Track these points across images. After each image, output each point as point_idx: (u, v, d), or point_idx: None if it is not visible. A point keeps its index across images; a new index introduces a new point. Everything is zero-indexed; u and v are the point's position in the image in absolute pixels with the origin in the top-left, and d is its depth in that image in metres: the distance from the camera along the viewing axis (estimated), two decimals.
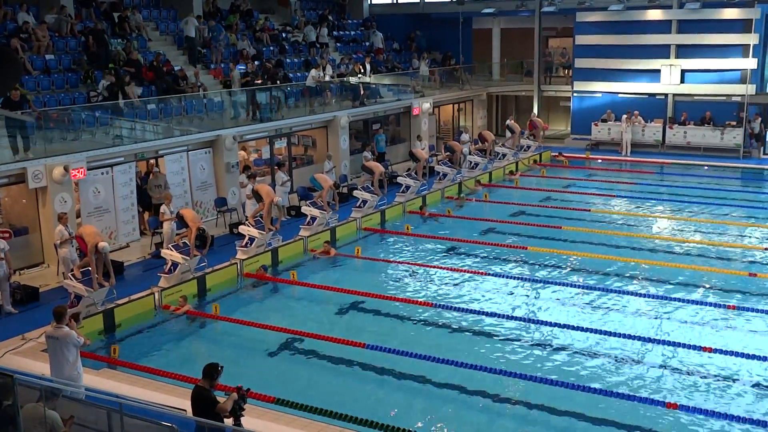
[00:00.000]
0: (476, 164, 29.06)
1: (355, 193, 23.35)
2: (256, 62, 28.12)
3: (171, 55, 26.16)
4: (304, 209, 21.39)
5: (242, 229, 19.22)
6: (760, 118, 32.37)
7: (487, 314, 15.45)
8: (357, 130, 30.78)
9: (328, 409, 11.36)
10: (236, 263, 18.16)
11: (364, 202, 22.67)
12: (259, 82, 26.62)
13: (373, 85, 32.09)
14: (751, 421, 11.16)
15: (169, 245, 17.65)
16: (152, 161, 21.91)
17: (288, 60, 30.64)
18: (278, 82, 27.37)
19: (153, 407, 9.69)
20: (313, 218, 20.79)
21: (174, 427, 8.77)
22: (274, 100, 26.52)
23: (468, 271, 18.03)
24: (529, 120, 34.21)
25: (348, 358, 13.46)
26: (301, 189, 24.83)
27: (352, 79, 30.84)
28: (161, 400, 10.86)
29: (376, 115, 31.21)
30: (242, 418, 9.37)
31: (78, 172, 18.65)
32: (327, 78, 29.15)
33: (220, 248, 19.74)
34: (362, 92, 30.33)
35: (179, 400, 10.67)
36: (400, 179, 25.38)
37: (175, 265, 16.82)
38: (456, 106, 37.90)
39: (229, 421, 9.29)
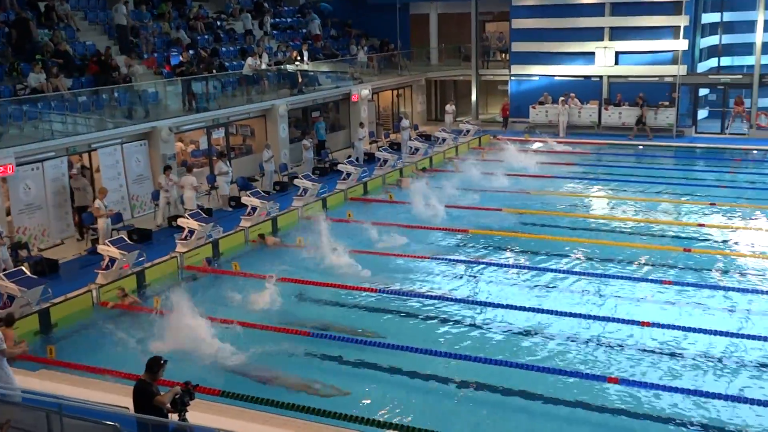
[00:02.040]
0: (417, 149, 29.17)
1: (296, 181, 23.22)
2: (190, 51, 27.67)
3: (101, 45, 25.54)
4: (245, 199, 21.19)
5: (181, 221, 18.95)
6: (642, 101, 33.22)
7: (430, 297, 15.56)
8: (296, 118, 30.57)
9: (274, 399, 11.32)
10: (176, 256, 17.92)
11: (305, 190, 22.56)
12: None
13: (311, 73, 31.87)
14: (691, 392, 11.47)
15: (106, 240, 17.30)
16: (78, 162, 21.34)
17: (223, 48, 30.22)
18: (214, 71, 26.99)
19: (94, 407, 9.50)
20: (254, 208, 20.62)
21: (117, 425, 8.61)
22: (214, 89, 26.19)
23: (412, 256, 18.11)
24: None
25: (293, 346, 13.41)
26: (240, 179, 24.59)
27: (290, 67, 30.58)
28: (103, 399, 10.64)
29: (315, 103, 31.05)
30: (188, 413, 9.26)
31: (6, 168, 18.11)
32: (264, 66, 28.85)
33: (159, 241, 19.46)
34: (300, 80, 30.11)
35: (122, 398, 10.47)
36: (340, 166, 25.33)
37: (112, 260, 16.50)
38: (395, 92, 37.93)
39: (174, 416, 9.17)
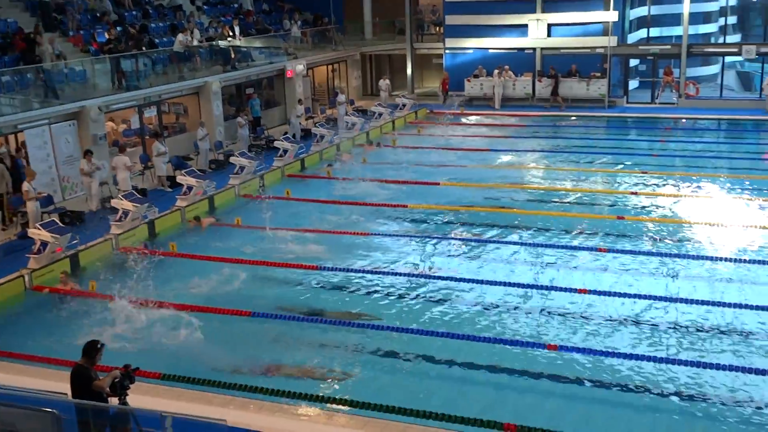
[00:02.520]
0: (353, 124, 29.08)
1: (232, 159, 22.93)
2: (118, 28, 26.95)
3: (23, 22, 24.69)
4: (180, 179, 20.85)
5: (115, 203, 18.56)
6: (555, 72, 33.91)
7: (371, 272, 15.61)
8: (230, 95, 30.13)
9: (217, 380, 11.25)
10: (111, 238, 17.56)
11: (242, 168, 22.31)
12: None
13: (244, 49, 31.40)
14: (628, 356, 11.77)
15: (36, 224, 16.84)
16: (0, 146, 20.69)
17: (153, 24, 29.52)
18: (144, 48, 26.36)
19: (30, 394, 9.28)
20: (190, 187, 20.31)
21: (55, 412, 8.43)
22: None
23: (352, 233, 18.10)
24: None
25: (236, 327, 13.33)
26: (175, 158, 24.16)
27: (222, 43, 30.08)
28: (40, 386, 10.40)
29: (249, 80, 30.64)
30: (128, 397, 9.12)
31: None
32: (195, 42, 28.31)
33: (92, 223, 19.05)
34: (233, 56, 29.65)
35: (59, 385, 10.25)
36: (277, 143, 25.10)
37: (44, 244, 16.08)
38: (330, 67, 37.67)
39: (114, 400, 9.03)
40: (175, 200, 20.19)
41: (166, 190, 22.32)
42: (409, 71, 38.41)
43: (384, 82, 35.85)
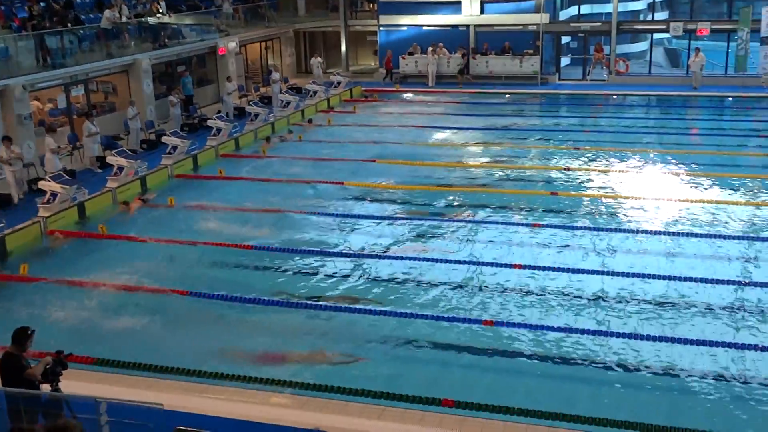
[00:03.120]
0: (288, 103, 28.81)
1: (164, 139, 22.50)
2: (41, 3, 26.07)
3: None
4: (110, 159, 20.37)
5: (42, 184, 18.04)
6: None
7: (308, 252, 15.54)
8: (161, 73, 29.50)
9: (155, 364, 11.08)
10: (39, 221, 17.09)
11: (174, 148, 21.92)
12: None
13: (174, 25, 30.74)
14: (563, 330, 12.00)
15: None
16: None
17: (78, 0, 28.62)
18: (69, 24, 25.55)
19: None
20: (121, 168, 19.87)
21: None
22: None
23: (287, 211, 17.98)
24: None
25: (171, 308, 13.13)
26: (105, 138, 23.57)
27: (151, 20, 29.39)
28: None
29: (180, 57, 30.03)
30: (61, 383, 8.92)
31: None
32: (123, 19, 27.58)
33: (20, 206, 18.52)
34: (162, 33, 29.02)
35: None
36: (210, 122, 24.72)
37: None
38: (263, 44, 37.19)
39: (46, 387, 8.83)
40: (106, 181, 19.73)
41: (96, 171, 21.80)
42: (343, 49, 38.21)
43: (316, 60, 35.53)
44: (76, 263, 15.50)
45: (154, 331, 12.40)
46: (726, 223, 16.78)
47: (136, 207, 18.73)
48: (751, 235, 15.99)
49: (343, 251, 15.71)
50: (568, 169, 21.11)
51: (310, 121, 27.88)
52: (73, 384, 9.31)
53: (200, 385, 10.55)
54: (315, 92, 30.86)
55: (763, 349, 11.25)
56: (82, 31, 25.96)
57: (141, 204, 18.92)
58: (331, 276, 14.56)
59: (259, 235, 16.56)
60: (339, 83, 33.02)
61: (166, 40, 29.00)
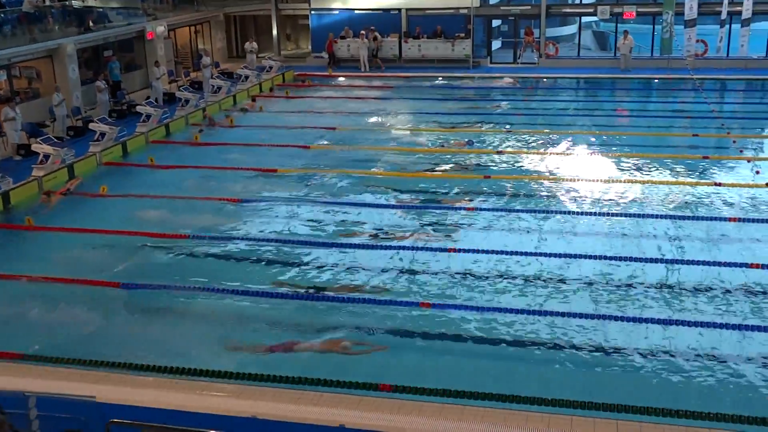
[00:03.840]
0: (219, 88, 28.41)
1: (92, 126, 21.98)
2: None
3: None
4: (35, 147, 19.80)
5: None
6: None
7: (246, 239, 15.40)
8: (87, 58, 28.72)
9: (87, 357, 10.87)
10: None
11: (102, 134, 21.43)
12: None
13: (100, 9, 29.99)
14: (496, 310, 12.17)
15: None
16: None
17: None
18: None
19: None
20: (47, 156, 19.33)
21: None
22: None
23: (223, 199, 17.76)
24: None
25: (104, 299, 12.88)
26: (29, 126, 22.89)
27: (75, 3, 28.60)
28: None
29: (106, 41, 29.29)
30: None
31: None
32: (47, 2, 26.76)
33: None
34: (88, 17, 28.24)
35: None
36: (139, 108, 24.23)
37: None
38: (193, 28, 36.52)
39: None
40: (31, 170, 19.18)
41: (15, 158, 21.18)
42: (274, 33, 37.84)
43: (250, 45, 35.12)
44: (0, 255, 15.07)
45: (86, 324, 12.15)
46: (653, 202, 17.20)
47: (56, 199, 18.19)
48: (678, 213, 16.43)
49: (274, 238, 15.56)
50: (501, 152, 21.33)
51: (243, 110, 27.51)
52: (0, 379, 9.09)
53: (133, 376, 10.40)
54: (247, 77, 30.50)
55: (696, 324, 11.56)
56: (3, 15, 25.10)
57: (62, 197, 18.32)
58: (260, 261, 14.48)
59: (193, 222, 16.33)
60: (271, 68, 32.71)
61: (92, 24, 28.24)
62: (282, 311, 12.52)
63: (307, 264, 14.35)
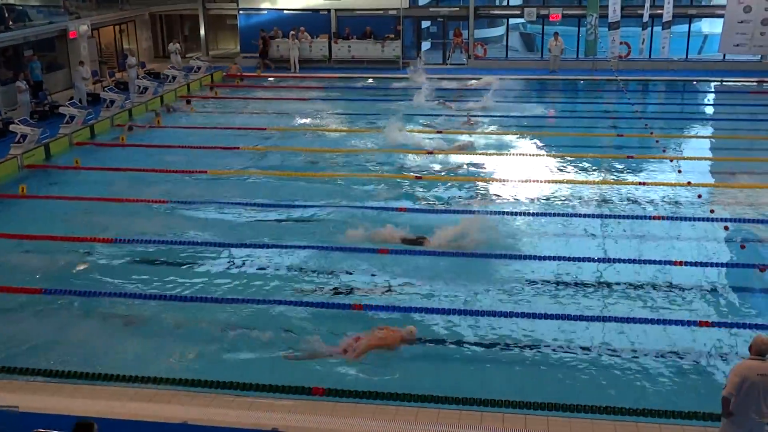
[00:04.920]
0: (146, 88, 27.90)
1: (12, 127, 21.31)
2: None
3: None
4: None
5: None
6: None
7: (174, 243, 15.13)
8: (6, 57, 27.88)
9: (10, 365, 10.55)
10: None
11: (24, 136, 20.81)
12: None
13: (20, 7, 29.13)
14: (430, 311, 12.30)
15: None
16: None
17: None
18: None
19: None
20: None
21: None
22: None
23: (151, 201, 17.41)
24: None
25: (26, 306, 12.52)
26: None
27: None
28: None
29: (26, 40, 28.45)
30: None
31: None
32: None
33: None
34: (6, 15, 27.40)
35: None
36: (62, 109, 23.61)
37: None
38: (118, 27, 35.78)
39: None
40: None
41: None
42: (202, 32, 37.37)
43: (174, 46, 34.46)
44: None
45: (6, 332, 11.79)
46: (579, 201, 17.56)
47: None
48: (604, 213, 16.81)
49: (207, 241, 15.35)
50: (432, 153, 21.46)
51: (172, 108, 27.11)
52: None
53: (58, 385, 10.14)
54: (174, 77, 30.03)
55: (629, 320, 11.81)
56: None
57: None
58: (176, 264, 14.32)
59: (121, 225, 15.97)
60: (199, 68, 32.28)
61: (11, 23, 27.41)
62: (210, 313, 12.36)
63: (241, 266, 14.22)
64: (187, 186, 18.80)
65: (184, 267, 14.25)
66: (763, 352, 7.97)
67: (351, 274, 13.87)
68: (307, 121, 25.88)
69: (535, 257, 14.26)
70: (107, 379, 10.29)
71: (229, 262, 14.47)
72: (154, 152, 21.34)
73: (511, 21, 38.79)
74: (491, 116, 26.14)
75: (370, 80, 32.81)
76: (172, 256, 14.68)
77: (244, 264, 14.33)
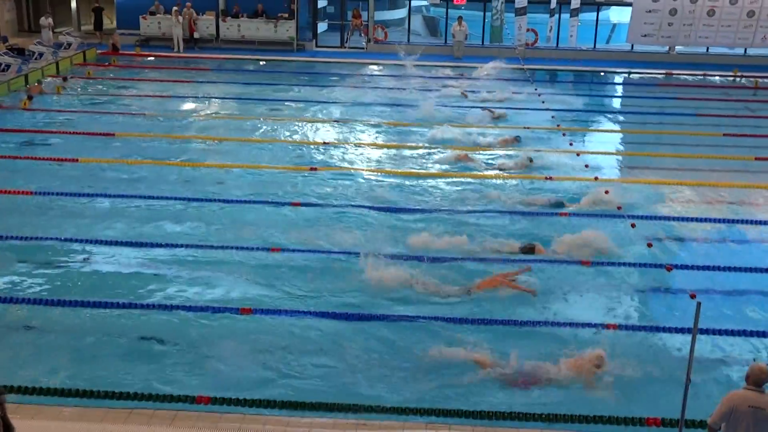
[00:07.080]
0: (8, 66, 26.70)
1: None
2: None
3: None
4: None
5: None
6: None
7: (30, 238, 14.51)
8: None
9: None
10: None
11: None
12: None
13: None
14: (316, 314, 12.20)
15: None
16: None
17: None
18: None
19: None
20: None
21: None
22: None
23: (12, 192, 16.64)
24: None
25: None
26: None
27: None
28: None
29: None
30: None
31: None
32: None
33: None
34: None
35: None
36: None
37: None
38: None
39: None
40: None
41: None
42: (74, 5, 36.06)
43: (45, 20, 33.07)
44: None
45: None
46: (483, 197, 17.73)
47: None
48: (510, 209, 17.04)
49: (89, 239, 14.72)
50: (327, 143, 21.36)
51: (40, 89, 26.00)
52: None
53: None
54: (41, 54, 28.89)
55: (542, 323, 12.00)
56: None
57: None
58: (45, 264, 13.79)
59: None
60: (70, 45, 31.14)
61: None
62: (89, 321, 11.93)
63: (107, 263, 13.79)
64: (56, 175, 18.02)
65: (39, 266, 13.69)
66: (760, 383, 7.65)
67: (241, 275, 13.64)
68: (190, 106, 25.34)
69: (411, 258, 14.32)
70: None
71: (104, 259, 13.99)
72: (22, 137, 20.40)
73: (414, 3, 39.09)
74: (389, 105, 26.22)
75: (263, 62, 32.39)
76: (51, 254, 14.09)
77: (118, 262, 13.90)
